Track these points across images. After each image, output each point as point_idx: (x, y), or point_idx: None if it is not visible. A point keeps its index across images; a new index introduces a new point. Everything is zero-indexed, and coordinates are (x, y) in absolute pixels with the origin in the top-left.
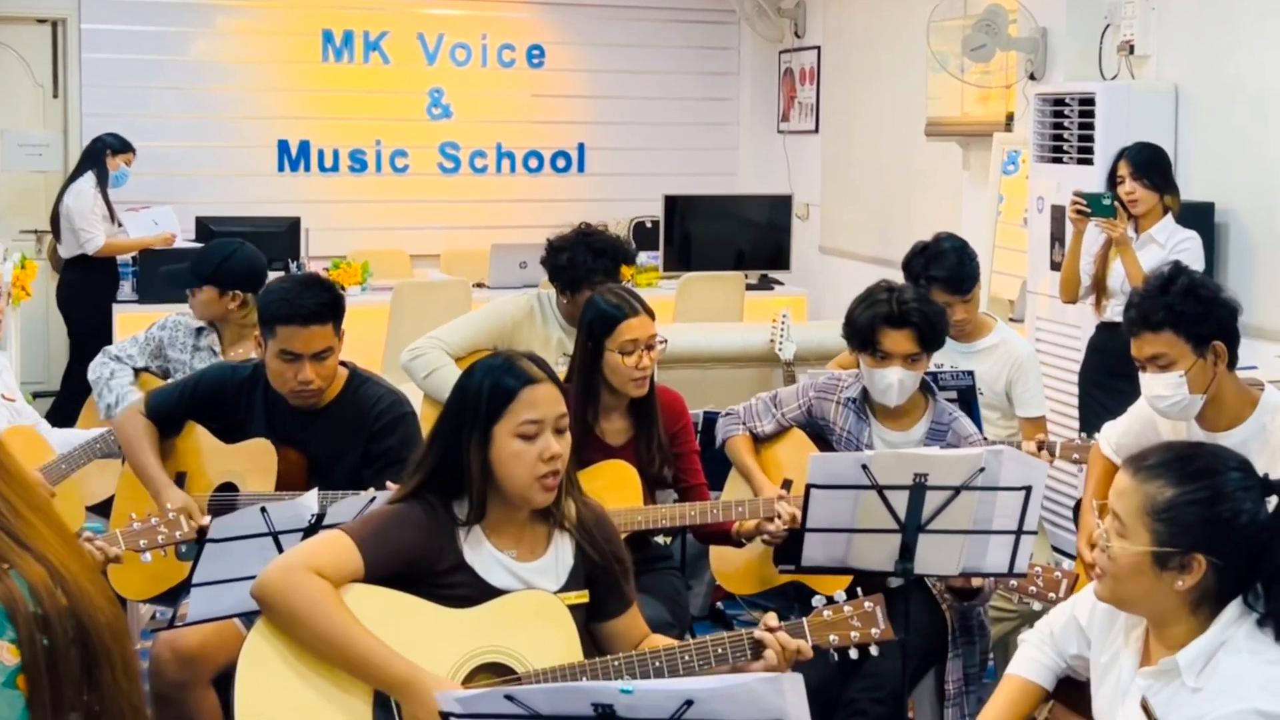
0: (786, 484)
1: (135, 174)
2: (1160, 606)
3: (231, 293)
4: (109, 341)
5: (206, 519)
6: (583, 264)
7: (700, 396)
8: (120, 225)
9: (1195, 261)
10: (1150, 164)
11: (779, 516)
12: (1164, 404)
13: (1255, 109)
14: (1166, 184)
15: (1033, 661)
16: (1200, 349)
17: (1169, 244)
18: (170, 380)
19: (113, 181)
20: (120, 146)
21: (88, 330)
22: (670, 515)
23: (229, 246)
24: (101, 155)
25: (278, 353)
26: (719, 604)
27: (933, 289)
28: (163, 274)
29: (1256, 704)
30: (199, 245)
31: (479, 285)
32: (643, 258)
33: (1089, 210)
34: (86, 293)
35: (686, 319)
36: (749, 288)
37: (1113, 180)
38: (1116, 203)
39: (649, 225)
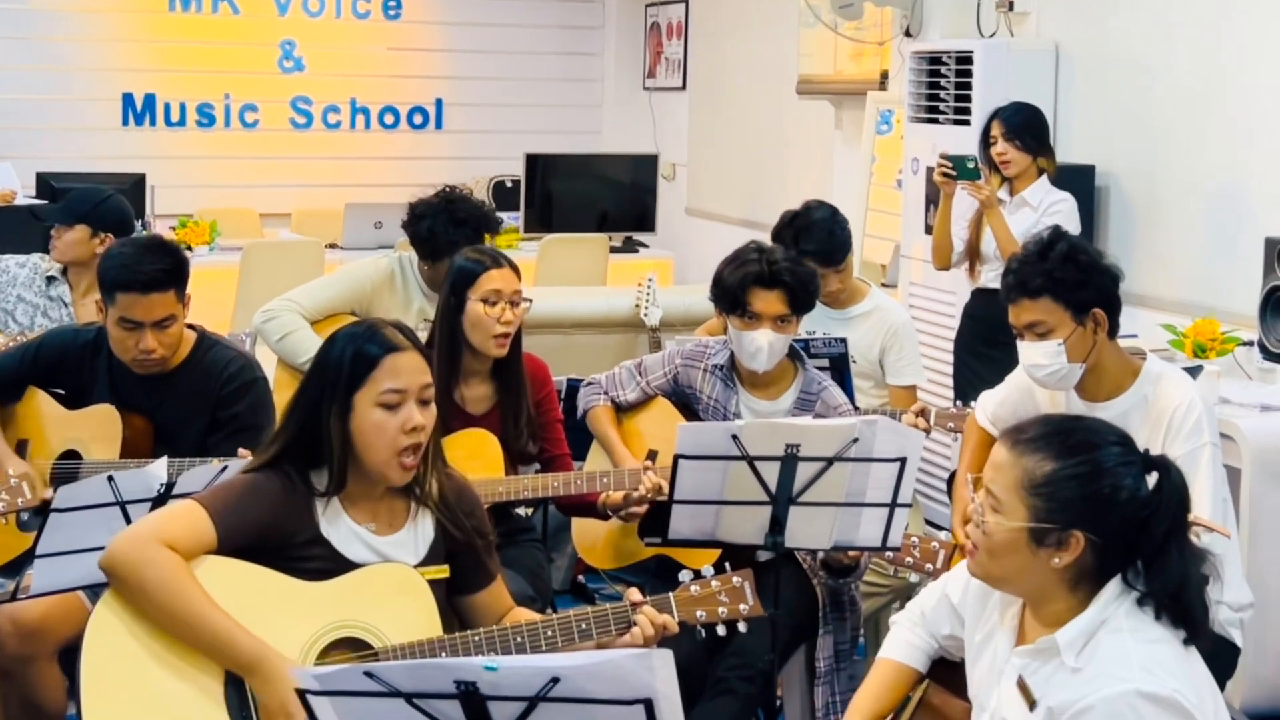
0: (652, 455)
1: None
2: (1036, 584)
3: (102, 235)
4: None
5: (49, 491)
6: (444, 233)
7: (563, 363)
8: None
9: (1069, 223)
10: (1024, 126)
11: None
12: (1042, 373)
13: (1136, 70)
14: (1041, 146)
15: (905, 644)
16: (1080, 316)
17: (1042, 206)
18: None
19: None
20: None
21: None
22: (533, 486)
23: (104, 191)
24: None
25: (118, 320)
26: (581, 578)
27: (804, 261)
28: (32, 210)
29: (1138, 685)
30: (41, 203)
31: (332, 246)
32: (503, 219)
33: (955, 173)
34: None
35: (548, 282)
36: (613, 250)
37: (986, 140)
38: (984, 165)
39: (509, 185)
